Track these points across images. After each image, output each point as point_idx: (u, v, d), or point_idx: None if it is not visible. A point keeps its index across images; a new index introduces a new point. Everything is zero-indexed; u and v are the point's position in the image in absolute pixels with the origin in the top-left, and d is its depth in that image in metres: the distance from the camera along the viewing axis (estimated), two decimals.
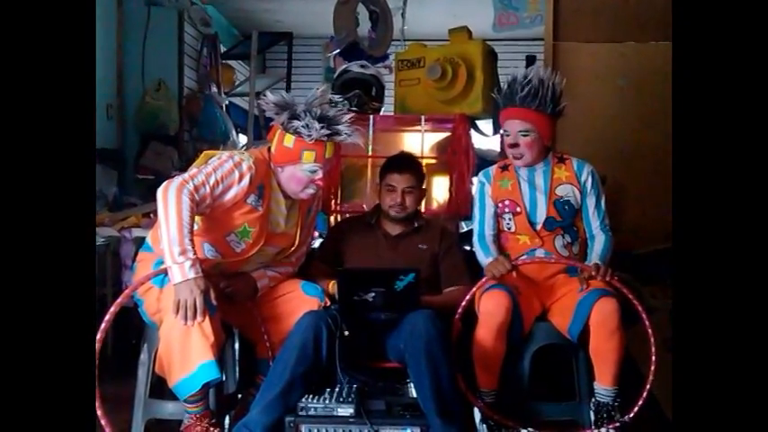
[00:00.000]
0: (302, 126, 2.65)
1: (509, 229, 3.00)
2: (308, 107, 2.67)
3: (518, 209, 2.96)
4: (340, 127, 2.70)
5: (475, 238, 3.04)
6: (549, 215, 2.94)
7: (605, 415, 2.68)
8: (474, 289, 2.82)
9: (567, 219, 2.95)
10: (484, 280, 2.82)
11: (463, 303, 2.80)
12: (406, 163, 3.15)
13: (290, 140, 2.69)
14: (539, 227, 2.94)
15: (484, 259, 2.93)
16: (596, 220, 2.97)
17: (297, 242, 2.84)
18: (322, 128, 2.65)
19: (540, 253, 2.93)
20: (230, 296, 2.66)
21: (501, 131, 3.05)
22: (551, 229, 2.94)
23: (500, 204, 3.01)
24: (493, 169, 3.10)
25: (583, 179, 2.97)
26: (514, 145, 2.93)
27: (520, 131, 2.91)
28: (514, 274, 2.83)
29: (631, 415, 2.69)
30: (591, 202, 2.98)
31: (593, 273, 2.76)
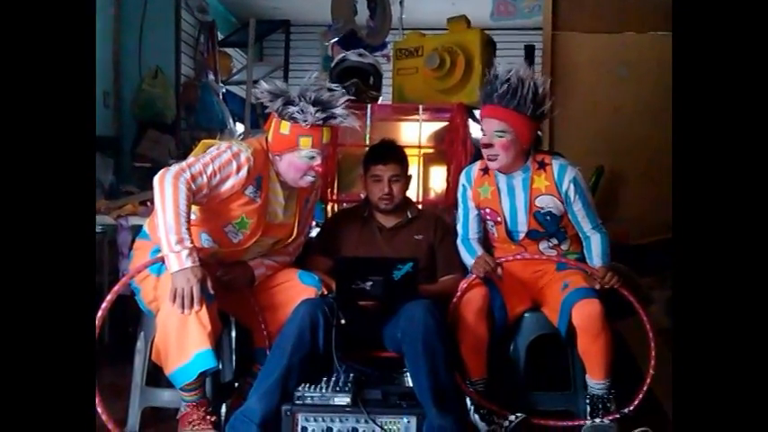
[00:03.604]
0: (297, 111, 2.64)
1: (493, 234, 2.98)
2: (302, 92, 2.66)
3: (498, 218, 2.91)
4: (335, 110, 2.68)
5: (459, 240, 3.02)
6: (532, 227, 2.88)
7: (600, 407, 2.69)
8: (462, 284, 2.81)
9: (551, 227, 2.89)
10: (470, 278, 2.81)
11: (454, 300, 2.81)
12: (389, 151, 3.11)
13: (285, 127, 2.68)
14: (521, 236, 2.89)
15: (469, 260, 2.91)
16: (587, 223, 2.87)
17: (295, 232, 2.83)
18: (317, 112, 2.64)
19: (524, 255, 2.92)
20: (227, 285, 2.65)
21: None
22: (535, 239, 2.91)
23: (481, 211, 2.97)
24: (474, 171, 2.99)
25: (564, 189, 2.82)
26: (488, 145, 2.79)
27: (496, 131, 2.77)
28: (499, 271, 2.80)
29: (631, 408, 2.70)
30: (577, 208, 2.85)
31: (601, 279, 2.73)
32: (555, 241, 2.93)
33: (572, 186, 2.83)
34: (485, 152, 2.83)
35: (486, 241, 3.03)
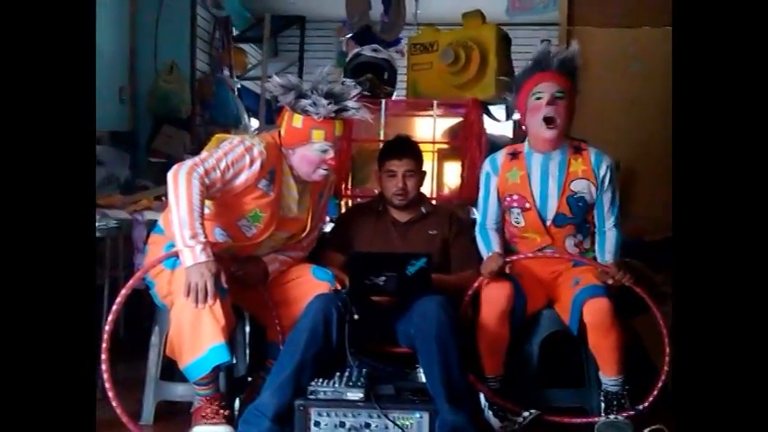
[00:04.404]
0: (309, 104, 2.64)
1: (517, 224, 2.92)
2: (314, 85, 2.67)
3: (527, 204, 2.87)
4: (348, 103, 2.69)
5: (477, 229, 3.00)
6: (560, 211, 2.85)
7: (615, 403, 2.68)
8: (475, 285, 2.80)
9: (578, 216, 2.87)
10: (480, 280, 2.79)
11: (466, 298, 2.80)
12: (404, 147, 3.12)
13: (298, 120, 2.68)
14: (548, 222, 2.87)
15: (484, 251, 2.90)
16: (611, 217, 2.88)
17: (308, 227, 2.84)
18: (329, 104, 2.64)
19: (547, 252, 2.90)
20: (241, 280, 2.66)
21: (526, 103, 2.85)
22: (561, 226, 2.87)
23: (507, 198, 2.92)
24: (501, 156, 2.97)
25: (601, 174, 2.85)
26: (551, 102, 2.77)
27: (557, 91, 2.79)
28: (507, 269, 2.77)
29: (646, 404, 2.69)
30: (607, 198, 2.87)
31: (614, 275, 2.71)
32: (580, 237, 2.91)
33: (608, 173, 2.86)
34: (545, 111, 2.78)
35: (505, 239, 3.00)
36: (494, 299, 2.72)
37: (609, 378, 2.71)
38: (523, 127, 2.95)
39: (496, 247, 2.88)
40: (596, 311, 2.63)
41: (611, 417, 2.66)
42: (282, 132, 2.74)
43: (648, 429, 2.57)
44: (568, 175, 2.85)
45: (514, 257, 2.84)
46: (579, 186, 2.85)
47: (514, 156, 2.93)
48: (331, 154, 2.71)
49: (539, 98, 2.80)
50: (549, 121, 2.79)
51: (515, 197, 2.90)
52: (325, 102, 2.63)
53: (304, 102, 2.65)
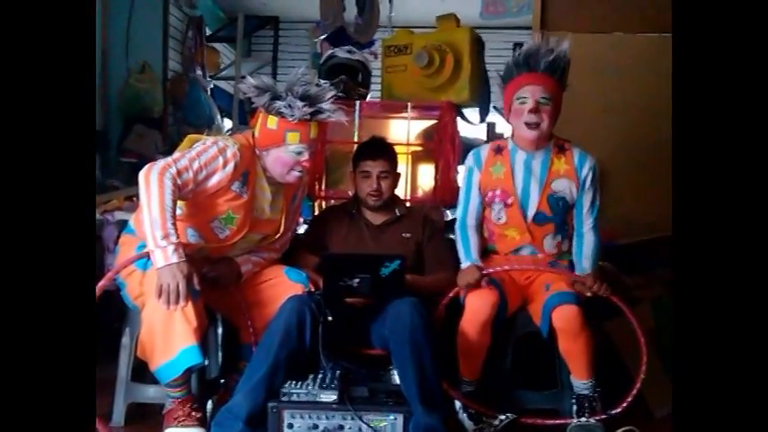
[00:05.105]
0: (284, 106, 2.63)
1: (498, 220, 2.90)
2: (289, 87, 2.65)
3: (510, 200, 2.86)
4: (323, 105, 2.68)
5: (456, 225, 2.97)
6: (540, 209, 2.84)
7: (587, 405, 2.69)
8: (450, 294, 2.79)
9: (558, 215, 2.86)
10: (456, 289, 2.77)
11: (448, 296, 2.80)
12: (379, 148, 3.12)
13: (273, 122, 2.67)
14: (529, 220, 2.85)
15: (463, 256, 2.86)
16: (590, 218, 2.88)
17: (282, 228, 2.82)
18: (304, 106, 2.63)
19: (526, 251, 2.89)
20: (214, 281, 2.64)
21: (507, 105, 2.85)
22: (540, 224, 2.86)
23: (489, 193, 2.90)
24: (484, 151, 2.95)
25: (583, 174, 2.84)
26: (534, 110, 2.75)
27: (541, 98, 2.76)
28: (483, 283, 2.74)
29: (619, 410, 2.70)
30: (587, 199, 2.87)
31: (591, 286, 2.70)
32: (559, 238, 2.89)
33: (590, 174, 2.86)
34: (527, 118, 2.77)
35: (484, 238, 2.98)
36: (479, 308, 2.70)
37: (580, 381, 2.72)
38: (509, 122, 2.93)
39: (474, 254, 2.85)
40: (565, 318, 2.63)
41: (583, 420, 2.67)
42: (256, 134, 2.72)
43: (620, 430, 2.59)
44: (550, 174, 2.84)
45: (491, 270, 2.79)
46: (560, 186, 2.85)
47: (498, 151, 2.92)
48: (305, 156, 2.70)
49: (523, 102, 2.79)
50: (531, 126, 2.79)
51: (498, 192, 2.88)
52: (300, 104, 2.62)
53: (279, 103, 2.64)
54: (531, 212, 2.85)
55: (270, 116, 2.68)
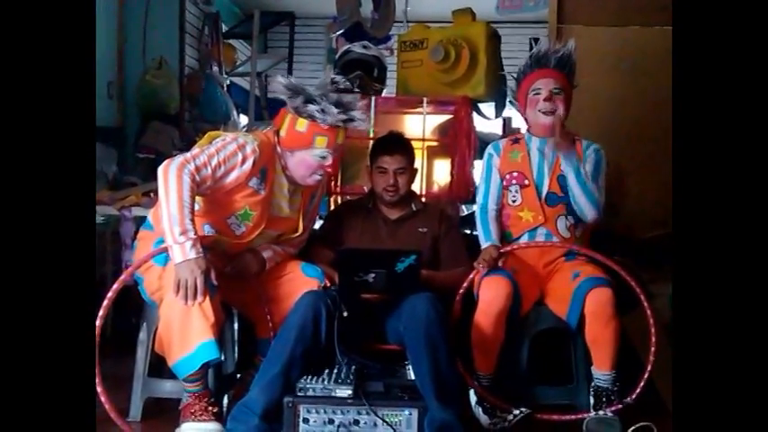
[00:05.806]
0: (318, 111, 2.64)
1: (514, 202, 2.99)
2: (323, 92, 2.66)
3: (526, 181, 2.97)
4: (355, 113, 2.70)
5: (477, 211, 3.03)
6: (551, 190, 2.94)
7: (605, 399, 2.69)
8: (471, 276, 2.82)
9: (568, 195, 2.92)
10: (472, 276, 2.82)
11: (461, 291, 2.81)
12: (396, 143, 3.12)
13: (302, 125, 2.67)
14: (542, 200, 2.94)
15: (483, 240, 2.93)
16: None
17: (300, 228, 2.83)
18: (339, 113, 2.64)
19: (541, 232, 2.94)
20: (238, 272, 2.66)
21: (525, 99, 3.02)
22: (552, 205, 2.94)
23: (507, 176, 3.01)
24: (503, 142, 3.12)
25: (587, 154, 2.98)
26: (548, 98, 2.94)
27: (554, 88, 2.95)
28: (500, 263, 2.82)
29: (633, 396, 2.71)
30: (588, 169, 2.92)
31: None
32: (572, 219, 2.95)
33: (593, 154, 2.99)
34: (543, 106, 2.94)
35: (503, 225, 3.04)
36: (492, 298, 2.72)
37: (602, 373, 2.72)
38: (525, 119, 3.10)
39: (495, 236, 2.92)
40: (599, 301, 2.65)
41: (601, 413, 2.67)
42: (282, 134, 2.72)
43: (636, 426, 2.59)
44: (559, 156, 2.94)
45: (508, 248, 2.89)
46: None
47: (516, 141, 3.08)
48: (330, 161, 2.71)
49: (537, 93, 2.97)
50: (546, 113, 2.95)
51: (515, 174, 3.01)
52: (335, 110, 2.64)
53: (311, 107, 2.65)
54: (543, 193, 2.96)
55: (300, 119, 2.68)
